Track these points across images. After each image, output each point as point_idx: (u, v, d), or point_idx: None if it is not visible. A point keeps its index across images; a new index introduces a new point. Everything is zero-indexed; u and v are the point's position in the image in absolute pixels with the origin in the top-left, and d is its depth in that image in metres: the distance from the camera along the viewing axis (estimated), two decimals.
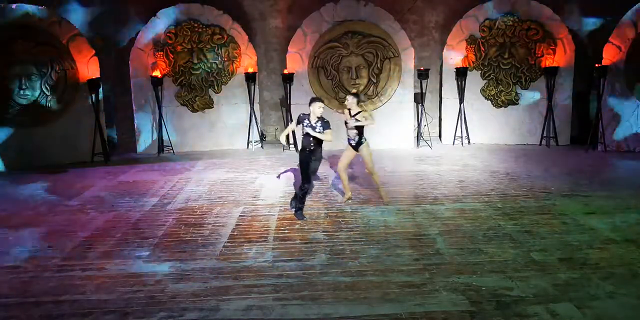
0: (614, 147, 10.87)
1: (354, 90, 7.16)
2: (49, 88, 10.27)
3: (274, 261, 5.34)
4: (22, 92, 10.00)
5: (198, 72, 11.53)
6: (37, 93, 10.16)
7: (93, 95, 10.58)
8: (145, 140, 11.50)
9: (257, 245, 5.81)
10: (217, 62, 11.57)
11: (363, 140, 7.10)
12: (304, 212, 6.80)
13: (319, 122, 6.57)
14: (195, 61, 11.48)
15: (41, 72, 10.16)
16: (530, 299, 4.40)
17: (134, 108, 11.37)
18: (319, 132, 6.53)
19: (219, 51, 11.53)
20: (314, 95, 6.84)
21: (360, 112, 6.99)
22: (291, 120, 11.44)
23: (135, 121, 11.42)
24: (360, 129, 7.07)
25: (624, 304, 4.32)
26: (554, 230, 6.09)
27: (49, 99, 10.29)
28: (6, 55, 9.80)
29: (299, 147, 6.97)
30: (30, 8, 10.00)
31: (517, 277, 4.83)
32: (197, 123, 11.71)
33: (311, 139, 6.63)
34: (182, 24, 11.29)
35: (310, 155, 6.71)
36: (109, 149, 10.92)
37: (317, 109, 6.54)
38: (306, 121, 6.61)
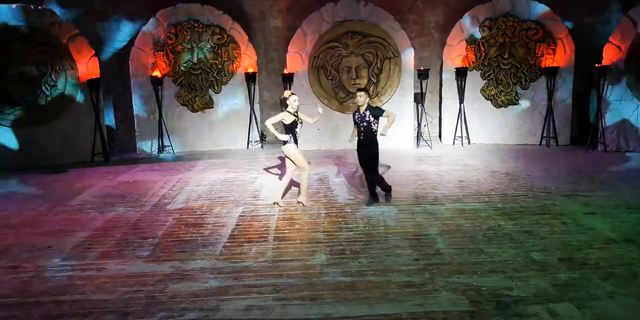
0: (614, 147, 10.87)
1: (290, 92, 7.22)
2: (49, 88, 10.27)
3: (274, 261, 5.34)
4: (22, 92, 10.00)
5: (198, 72, 11.54)
6: (37, 93, 10.16)
7: (93, 95, 10.59)
8: (145, 140, 11.50)
9: (257, 245, 5.80)
10: (217, 62, 11.57)
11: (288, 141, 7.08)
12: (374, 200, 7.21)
13: (367, 111, 6.95)
14: (195, 61, 11.48)
15: (41, 72, 10.17)
16: (530, 299, 4.39)
17: (134, 108, 11.37)
18: (368, 121, 6.90)
19: (219, 51, 11.53)
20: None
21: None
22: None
23: (135, 121, 11.43)
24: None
25: (624, 304, 4.32)
26: (554, 230, 6.08)
27: (49, 99, 10.30)
28: (6, 55, 9.81)
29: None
30: (29, 8, 10.02)
31: (517, 277, 4.83)
32: (197, 123, 11.71)
33: (362, 129, 6.98)
34: (182, 24, 11.30)
35: (362, 148, 7.05)
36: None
37: (358, 99, 6.96)
38: (357, 114, 7.00)
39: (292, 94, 7.09)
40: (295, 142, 7.06)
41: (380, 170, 7.35)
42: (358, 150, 7.15)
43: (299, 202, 7.25)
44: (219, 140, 11.88)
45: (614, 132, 10.91)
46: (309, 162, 7.40)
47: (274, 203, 7.23)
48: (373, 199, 7.21)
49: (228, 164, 10.26)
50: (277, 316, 4.22)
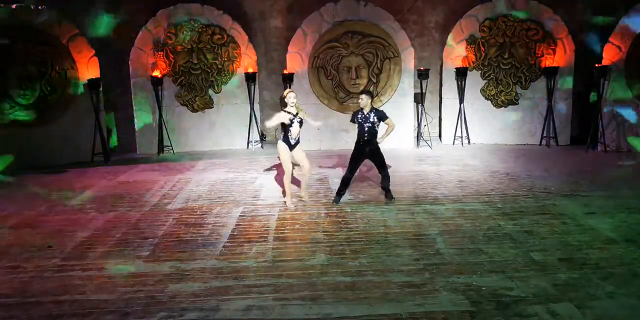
0: (614, 147, 10.87)
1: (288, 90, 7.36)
2: (49, 88, 10.27)
3: (274, 261, 5.34)
4: (22, 92, 10.01)
5: (198, 72, 11.54)
6: (37, 93, 10.16)
7: (93, 95, 10.59)
8: (145, 140, 11.50)
9: (257, 245, 5.81)
10: (217, 62, 11.57)
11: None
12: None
13: (372, 112, 7.05)
14: (195, 61, 11.48)
15: (41, 72, 10.17)
16: (530, 299, 4.39)
17: (134, 108, 11.37)
18: (372, 122, 7.00)
19: (219, 51, 11.53)
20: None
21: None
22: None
23: (135, 121, 11.43)
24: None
25: (624, 304, 4.32)
26: (554, 230, 6.09)
27: (48, 99, 10.30)
28: (6, 55, 9.81)
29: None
30: (30, 8, 10.02)
31: (517, 277, 4.83)
32: (197, 123, 11.71)
33: (365, 129, 7.04)
34: (182, 24, 11.30)
35: (363, 147, 7.10)
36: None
37: (360, 101, 7.08)
38: (359, 114, 7.06)
39: (290, 91, 7.13)
40: (287, 142, 7.07)
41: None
42: (361, 149, 7.15)
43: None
44: (219, 140, 11.88)
45: (614, 132, 10.91)
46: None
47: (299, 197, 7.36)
48: (389, 194, 7.34)
49: (228, 164, 10.26)
50: (277, 316, 4.22)
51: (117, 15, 11.64)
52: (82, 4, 11.32)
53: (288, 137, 7.07)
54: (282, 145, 7.07)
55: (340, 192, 7.31)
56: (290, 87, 11.21)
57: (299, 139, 7.17)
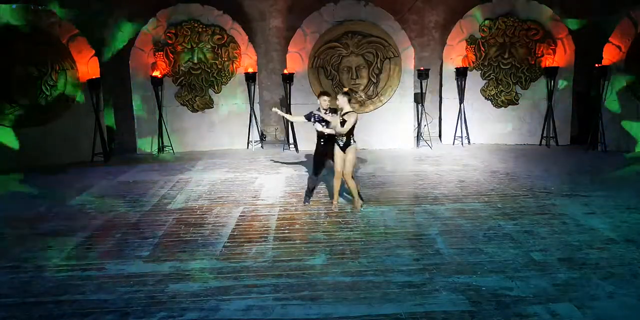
0: (614, 147, 10.87)
1: (345, 89, 7.31)
2: (49, 88, 10.27)
3: (274, 261, 5.34)
4: (22, 92, 10.00)
5: (198, 72, 11.54)
6: (37, 93, 10.16)
7: (93, 95, 10.59)
8: (145, 141, 11.50)
9: (257, 245, 5.81)
10: (217, 62, 11.57)
11: (352, 142, 6.80)
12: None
13: (329, 113, 7.00)
14: (195, 61, 11.48)
15: (41, 72, 10.17)
16: (530, 299, 4.39)
17: (134, 108, 11.37)
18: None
19: (219, 51, 11.53)
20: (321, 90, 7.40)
21: (350, 112, 6.78)
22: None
23: (135, 121, 11.42)
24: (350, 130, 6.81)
25: (624, 304, 4.32)
26: (554, 230, 6.09)
27: (49, 99, 10.30)
28: (6, 55, 9.81)
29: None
30: (30, 8, 10.01)
31: (517, 277, 4.83)
32: (197, 123, 11.71)
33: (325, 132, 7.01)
34: (182, 24, 11.30)
35: (324, 146, 7.06)
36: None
37: (323, 102, 7.04)
38: (317, 115, 7.04)
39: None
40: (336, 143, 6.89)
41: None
42: (322, 148, 7.07)
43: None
44: (219, 140, 11.87)
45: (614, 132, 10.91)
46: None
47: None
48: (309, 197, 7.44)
49: (228, 164, 10.25)
50: (277, 316, 4.22)
51: (117, 16, 11.63)
52: (83, 5, 11.30)
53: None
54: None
55: (309, 193, 7.36)
56: (290, 87, 11.21)
57: (344, 140, 6.81)
